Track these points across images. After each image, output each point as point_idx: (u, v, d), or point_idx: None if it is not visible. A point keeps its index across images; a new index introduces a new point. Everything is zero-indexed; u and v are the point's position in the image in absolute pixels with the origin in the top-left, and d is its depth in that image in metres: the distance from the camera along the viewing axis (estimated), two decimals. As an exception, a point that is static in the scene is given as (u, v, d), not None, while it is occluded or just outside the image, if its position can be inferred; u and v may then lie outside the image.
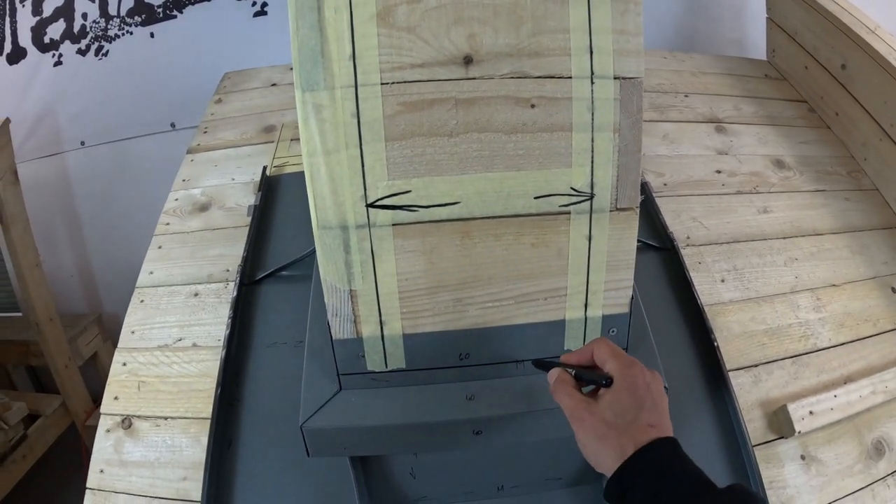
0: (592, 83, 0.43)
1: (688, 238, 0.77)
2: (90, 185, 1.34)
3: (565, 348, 0.48)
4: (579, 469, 0.55)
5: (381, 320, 0.45)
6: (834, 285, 0.74)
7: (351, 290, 0.44)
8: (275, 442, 0.57)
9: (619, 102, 0.43)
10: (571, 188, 0.44)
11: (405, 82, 0.41)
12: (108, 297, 1.45)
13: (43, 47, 1.22)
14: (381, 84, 0.40)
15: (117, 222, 1.35)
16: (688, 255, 0.74)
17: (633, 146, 0.44)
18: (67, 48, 1.23)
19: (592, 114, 0.43)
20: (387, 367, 0.46)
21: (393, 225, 0.43)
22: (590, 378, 0.40)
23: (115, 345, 0.70)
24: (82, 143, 1.31)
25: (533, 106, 0.42)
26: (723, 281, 0.73)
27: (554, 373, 0.42)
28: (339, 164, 0.41)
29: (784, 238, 0.79)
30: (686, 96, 1.00)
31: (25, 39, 1.21)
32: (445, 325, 0.45)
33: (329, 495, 0.53)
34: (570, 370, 0.41)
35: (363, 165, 0.41)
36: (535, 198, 0.44)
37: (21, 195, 1.14)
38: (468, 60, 0.41)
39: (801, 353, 0.67)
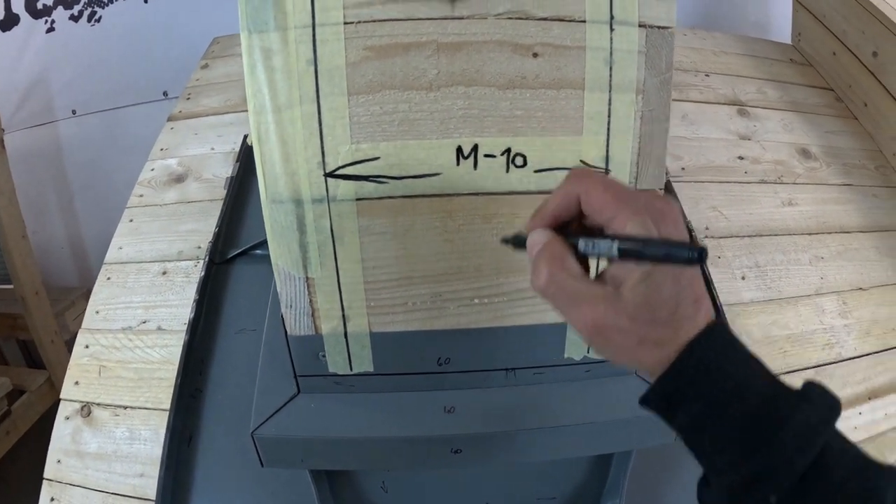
0: (612, 29, 0.35)
1: (707, 229, 0.71)
2: (81, 155, 1.31)
3: (565, 356, 0.40)
4: (577, 487, 0.48)
5: (343, 315, 0.37)
6: (861, 289, 0.68)
7: (307, 277, 0.36)
8: (238, 440, 0.51)
9: (645, 56, 0.35)
10: (581, 161, 0.36)
11: (374, 21, 0.32)
12: (99, 270, 1.42)
13: (36, 13, 1.18)
14: (344, 23, 0.32)
15: (108, 193, 1.31)
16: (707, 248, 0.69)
17: (660, 113, 0.36)
18: (60, 14, 1.18)
19: (611, 68, 0.35)
20: (351, 369, 0.39)
21: (357, 200, 0.35)
22: (661, 255, 0.23)
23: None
24: (73, 112, 1.27)
25: (535, 55, 0.34)
26: (743, 278, 0.67)
27: (539, 238, 0.26)
28: (292, 122, 0.33)
29: (809, 234, 0.72)
30: (707, 76, 0.92)
31: (18, 6, 1.16)
32: (421, 323, 0.38)
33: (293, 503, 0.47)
34: (573, 237, 0.25)
35: (321, 125, 0.33)
36: (536, 171, 0.36)
37: (7, 164, 1.10)
38: (455, -5, 0.33)
39: (825, 362, 0.62)
